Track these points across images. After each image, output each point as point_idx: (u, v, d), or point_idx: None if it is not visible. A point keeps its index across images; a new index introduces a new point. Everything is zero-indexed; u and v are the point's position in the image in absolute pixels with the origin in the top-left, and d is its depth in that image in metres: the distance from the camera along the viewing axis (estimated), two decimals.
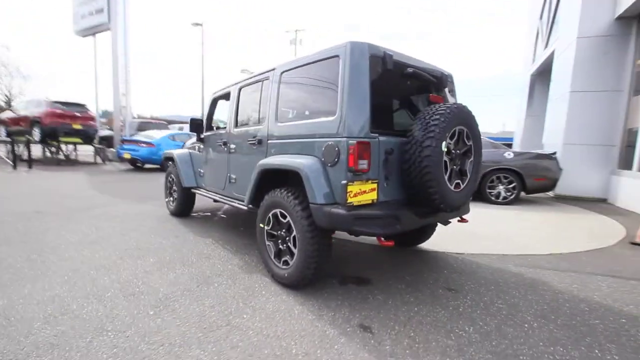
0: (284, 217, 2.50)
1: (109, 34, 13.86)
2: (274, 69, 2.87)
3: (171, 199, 4.91)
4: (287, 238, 2.51)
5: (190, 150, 4.59)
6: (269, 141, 2.80)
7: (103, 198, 5.96)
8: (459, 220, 2.97)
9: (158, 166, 11.03)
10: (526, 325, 2.11)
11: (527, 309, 2.32)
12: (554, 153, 6.48)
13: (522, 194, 6.64)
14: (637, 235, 4.03)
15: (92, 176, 9.12)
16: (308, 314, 2.17)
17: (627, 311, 2.34)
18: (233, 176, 3.38)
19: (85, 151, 14.49)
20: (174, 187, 4.76)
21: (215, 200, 3.99)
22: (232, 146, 3.36)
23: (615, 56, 6.68)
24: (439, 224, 3.19)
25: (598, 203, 6.96)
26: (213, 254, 3.23)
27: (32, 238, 3.53)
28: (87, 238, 3.59)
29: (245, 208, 3.12)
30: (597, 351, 1.87)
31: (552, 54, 8.87)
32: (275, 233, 2.65)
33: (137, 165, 11.71)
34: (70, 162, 12.38)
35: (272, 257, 2.66)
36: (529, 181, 6.36)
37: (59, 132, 11.05)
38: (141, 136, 11.68)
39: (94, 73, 15.80)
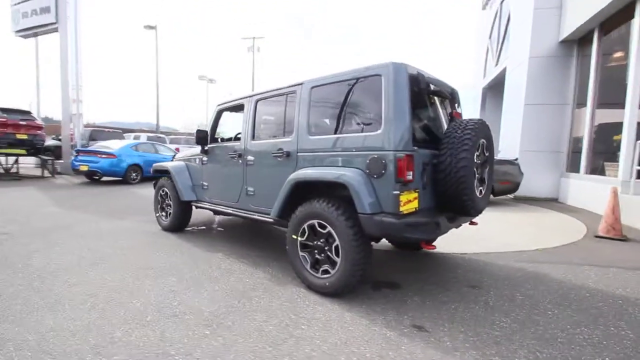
0: (323, 227, 2.57)
1: (55, 35, 12.68)
2: (301, 84, 2.94)
3: (163, 214, 4.66)
4: (326, 248, 2.58)
5: (187, 163, 4.43)
6: (299, 154, 2.85)
7: (73, 215, 5.45)
8: (470, 223, 3.25)
9: (120, 179, 10.30)
10: (549, 313, 2.41)
11: (543, 299, 2.63)
12: (516, 159, 7.26)
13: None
14: (599, 230, 4.69)
15: (47, 191, 8.24)
16: (360, 319, 2.26)
17: (619, 294, 2.76)
18: (251, 189, 3.35)
19: (27, 164, 13.02)
20: (168, 201, 4.54)
21: (217, 213, 3.90)
22: (250, 158, 3.34)
23: (561, 74, 7.72)
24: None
25: (551, 202, 7.90)
26: (234, 269, 3.17)
27: (18, 263, 3.16)
28: (83, 260, 3.30)
29: (267, 220, 3.13)
30: (612, 328, 2.20)
31: (504, 70, 9.93)
32: (310, 243, 2.69)
33: (94, 178, 10.81)
34: (12, 177, 11.02)
35: (308, 267, 2.71)
36: (496, 185, 7.03)
37: (1, 143, 9.83)
38: (99, 146, 10.82)
39: (36, 78, 14.29)
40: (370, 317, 2.30)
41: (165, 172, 4.73)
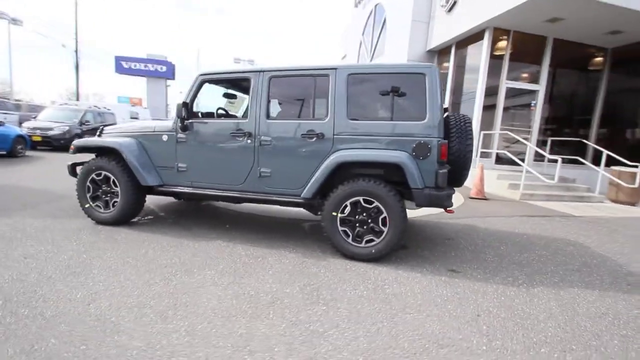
0: (370, 202, 2.92)
1: None
2: (335, 69, 3.04)
3: (100, 204, 3.70)
4: (369, 221, 2.95)
5: (141, 140, 3.64)
6: (336, 136, 3.02)
7: None
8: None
9: None
10: (502, 248, 3.60)
11: (491, 240, 3.85)
12: None
13: None
14: (471, 194, 6.70)
15: None
16: (410, 272, 2.80)
17: (562, 237, 4.28)
18: (266, 170, 3.22)
19: None
20: (111, 188, 3.63)
21: (189, 199, 3.43)
22: (266, 138, 3.18)
23: None
24: None
25: None
26: (259, 254, 3.07)
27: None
28: (28, 277, 2.46)
29: (289, 201, 3.17)
30: (542, 251, 3.56)
31: None
32: (352, 218, 2.99)
33: None
34: None
35: (350, 240, 3.00)
36: None
37: None
38: None
39: None
40: (415, 269, 2.88)
41: (101, 151, 3.73)
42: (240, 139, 3.27)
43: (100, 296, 2.16)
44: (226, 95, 4.13)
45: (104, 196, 3.70)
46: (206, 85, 3.52)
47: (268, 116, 3.22)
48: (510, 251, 3.55)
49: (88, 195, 3.71)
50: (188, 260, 2.82)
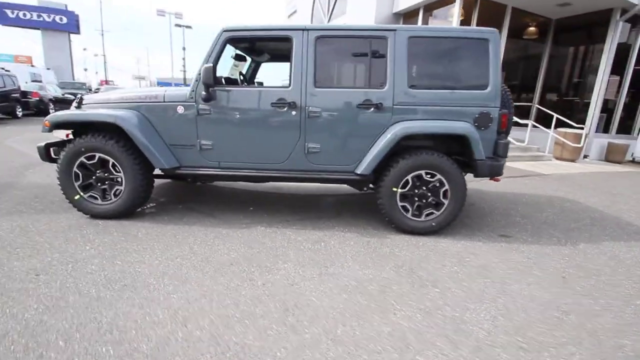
0: (432, 175, 2.84)
1: None
2: (394, 30, 2.73)
3: (95, 194, 2.98)
4: (429, 194, 2.89)
5: (144, 114, 2.94)
6: (396, 106, 2.79)
7: None
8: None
9: None
10: (556, 217, 3.88)
11: (539, 210, 4.13)
12: None
13: None
14: None
15: None
16: (471, 242, 2.87)
17: (553, 194, 4.69)
18: (314, 145, 2.88)
19: None
20: (114, 174, 2.93)
21: (209, 180, 2.93)
22: (314, 109, 2.80)
23: None
24: None
25: None
26: (314, 238, 2.83)
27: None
28: (66, 301, 1.93)
29: (344, 178, 2.94)
30: (599, 222, 3.93)
31: None
32: (412, 193, 2.89)
33: None
34: None
35: (410, 215, 2.93)
36: None
37: None
38: None
39: None
40: (472, 238, 2.96)
41: (89, 128, 2.94)
42: (282, 109, 2.84)
43: (191, 313, 1.76)
44: (237, 57, 3.53)
45: (99, 184, 2.98)
46: (232, 45, 2.93)
47: (316, 84, 2.82)
48: (529, 211, 3.86)
49: (77, 185, 2.94)
50: (248, 254, 2.46)
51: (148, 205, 3.42)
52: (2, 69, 11.96)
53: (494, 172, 2.91)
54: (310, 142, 2.89)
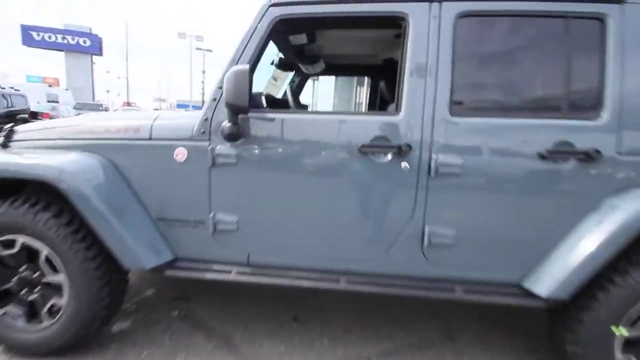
0: None
1: None
2: (622, 3, 1.32)
3: (19, 309, 1.57)
4: None
5: (116, 158, 1.56)
6: (623, 157, 1.32)
7: None
8: None
9: None
10: None
11: None
12: None
13: None
14: None
15: None
16: None
17: None
18: (444, 232, 1.42)
19: None
20: (48, 276, 1.52)
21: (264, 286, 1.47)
22: (449, 160, 1.37)
23: None
24: None
25: None
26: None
27: None
28: None
29: (506, 303, 1.43)
30: None
31: None
32: None
33: None
34: None
35: None
36: None
37: None
38: None
39: None
40: None
41: (14, 185, 1.58)
42: (383, 158, 1.41)
43: None
44: (280, 66, 2.18)
45: (23, 292, 1.57)
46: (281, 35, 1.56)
47: (453, 108, 1.39)
48: None
49: None
50: None
51: (121, 311, 1.98)
52: (12, 88, 11.29)
53: None
54: (433, 223, 1.43)
